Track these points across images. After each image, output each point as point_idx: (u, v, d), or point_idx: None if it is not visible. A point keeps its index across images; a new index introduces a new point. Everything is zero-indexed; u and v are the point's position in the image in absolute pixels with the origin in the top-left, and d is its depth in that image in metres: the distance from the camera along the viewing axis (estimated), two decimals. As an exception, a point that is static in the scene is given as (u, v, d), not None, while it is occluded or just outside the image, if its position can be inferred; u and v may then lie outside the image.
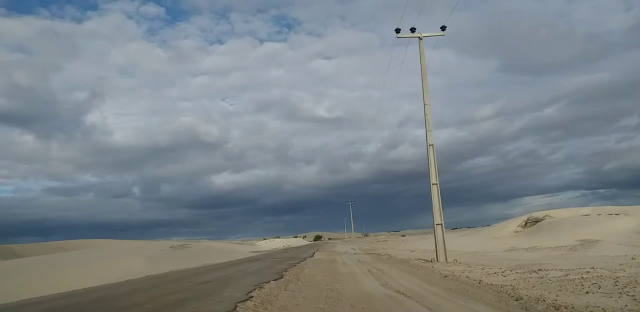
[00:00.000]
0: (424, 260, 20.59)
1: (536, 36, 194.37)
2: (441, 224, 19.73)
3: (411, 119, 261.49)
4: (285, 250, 54.02)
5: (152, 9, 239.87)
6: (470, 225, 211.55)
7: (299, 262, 22.17)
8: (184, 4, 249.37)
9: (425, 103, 20.25)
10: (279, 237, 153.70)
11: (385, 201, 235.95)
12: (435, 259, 19.55)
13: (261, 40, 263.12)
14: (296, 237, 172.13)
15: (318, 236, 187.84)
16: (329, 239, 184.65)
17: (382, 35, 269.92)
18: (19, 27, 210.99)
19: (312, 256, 29.17)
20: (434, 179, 19.49)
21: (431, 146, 19.68)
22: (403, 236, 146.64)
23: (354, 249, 39.76)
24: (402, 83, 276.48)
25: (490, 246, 31.63)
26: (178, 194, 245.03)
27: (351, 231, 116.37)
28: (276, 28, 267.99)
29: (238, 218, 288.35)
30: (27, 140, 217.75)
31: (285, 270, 17.10)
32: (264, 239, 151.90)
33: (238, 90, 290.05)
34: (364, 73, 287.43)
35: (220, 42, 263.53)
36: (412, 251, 30.29)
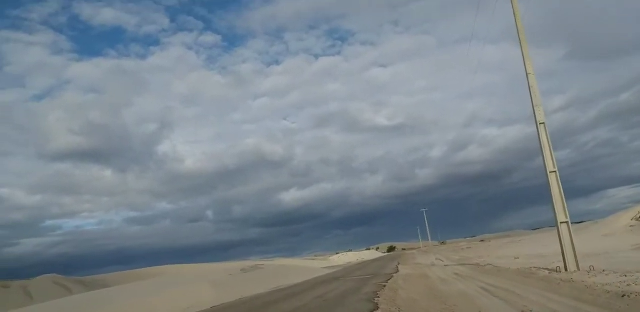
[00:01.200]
0: (548, 270, 16.06)
1: (605, 17, 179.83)
2: (567, 222, 15.19)
3: (477, 118, 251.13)
4: (362, 264, 49.95)
5: (209, 38, 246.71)
6: (552, 224, 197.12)
7: (386, 281, 18.29)
8: (239, 30, 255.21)
9: (528, 72, 16.11)
10: (351, 251, 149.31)
11: (457, 205, 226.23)
12: (563, 268, 15.05)
13: (316, 56, 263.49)
14: (369, 249, 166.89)
15: (391, 247, 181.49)
16: (403, 249, 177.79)
17: (438, 36, 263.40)
18: (90, 69, 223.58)
19: (397, 271, 25.10)
20: (550, 165, 15.17)
21: (542, 125, 15.47)
22: (482, 240, 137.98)
23: (441, 260, 35.15)
24: (465, 81, 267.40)
25: (609, 245, 26.27)
26: (249, 214, 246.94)
27: (427, 240, 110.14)
28: (329, 42, 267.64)
29: (309, 233, 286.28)
30: (106, 175, 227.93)
31: (376, 294, 13.34)
32: (337, 253, 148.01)
33: (298, 108, 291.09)
34: (422, 77, 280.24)
35: (277, 62, 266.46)
36: (515, 258, 25.50)
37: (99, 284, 73.09)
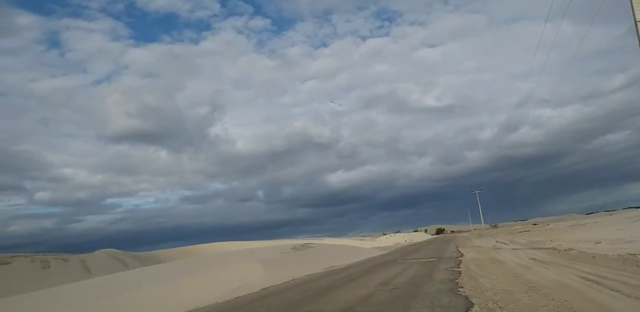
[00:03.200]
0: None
1: None
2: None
3: (530, 98, 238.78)
4: (415, 246, 47.50)
5: (259, 22, 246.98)
6: (608, 209, 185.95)
7: (457, 266, 15.87)
8: (287, 13, 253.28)
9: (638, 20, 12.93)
10: (399, 232, 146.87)
11: (507, 188, 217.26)
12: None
13: (363, 38, 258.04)
14: (416, 231, 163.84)
15: (440, 229, 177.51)
16: (452, 231, 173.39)
17: (488, 15, 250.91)
18: (145, 54, 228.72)
19: (461, 254, 22.53)
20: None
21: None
22: (534, 224, 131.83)
23: (504, 243, 32.18)
24: (517, 61, 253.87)
25: None
26: (298, 194, 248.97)
27: (480, 222, 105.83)
28: (377, 23, 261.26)
29: (355, 214, 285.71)
30: (161, 155, 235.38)
31: (455, 282, 11.01)
32: (384, 234, 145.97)
33: (345, 90, 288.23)
34: (473, 57, 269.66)
35: (325, 45, 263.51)
36: (596, 243, 22.36)
37: (154, 259, 74.65)
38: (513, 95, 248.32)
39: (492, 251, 24.13)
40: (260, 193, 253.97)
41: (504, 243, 32.40)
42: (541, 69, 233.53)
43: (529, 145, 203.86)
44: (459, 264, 16.47)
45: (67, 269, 50.05)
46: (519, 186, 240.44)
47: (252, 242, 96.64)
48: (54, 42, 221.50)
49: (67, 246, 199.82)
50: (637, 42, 13.36)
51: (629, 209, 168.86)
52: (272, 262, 24.00)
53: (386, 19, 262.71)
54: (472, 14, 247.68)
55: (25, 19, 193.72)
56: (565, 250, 19.70)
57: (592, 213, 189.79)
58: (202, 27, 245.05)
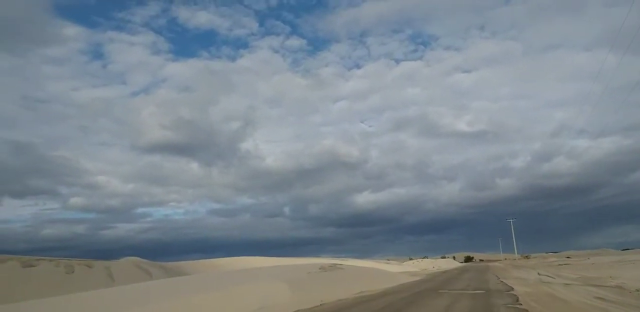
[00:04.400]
0: None
1: None
2: None
3: (566, 127, 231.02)
4: (449, 274, 44.29)
5: (295, 42, 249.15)
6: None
7: (515, 302, 13.39)
8: (323, 33, 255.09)
9: None
10: (426, 257, 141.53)
11: (539, 219, 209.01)
12: None
13: (397, 61, 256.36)
14: (444, 257, 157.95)
15: (468, 256, 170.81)
16: (481, 260, 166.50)
17: (525, 42, 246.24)
18: (183, 68, 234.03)
19: (510, 288, 19.79)
20: None
21: None
22: (568, 257, 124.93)
23: (550, 277, 29.00)
24: (553, 89, 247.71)
25: None
26: (324, 213, 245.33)
27: (513, 252, 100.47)
28: (412, 47, 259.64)
29: (380, 237, 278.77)
30: (192, 167, 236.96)
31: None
32: (410, 259, 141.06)
33: (376, 112, 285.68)
34: (508, 83, 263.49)
35: (358, 66, 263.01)
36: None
37: (178, 270, 73.07)
38: (548, 124, 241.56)
39: (542, 285, 21.29)
40: (286, 210, 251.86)
41: (550, 277, 29.24)
42: (577, 98, 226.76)
43: (564, 176, 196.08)
44: (517, 300, 13.94)
45: (90, 276, 48.83)
46: (552, 217, 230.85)
47: (277, 258, 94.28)
48: (97, 53, 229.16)
49: (97, 252, 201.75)
50: None
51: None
52: (299, 283, 21.81)
53: (421, 42, 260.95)
54: (509, 40, 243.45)
55: (71, 30, 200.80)
56: (638, 290, 16.83)
57: (627, 249, 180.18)
58: (240, 44, 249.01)
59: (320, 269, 27.44)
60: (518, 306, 12.46)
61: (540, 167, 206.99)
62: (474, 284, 23.11)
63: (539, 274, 34.11)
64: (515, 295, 16.02)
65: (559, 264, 53.89)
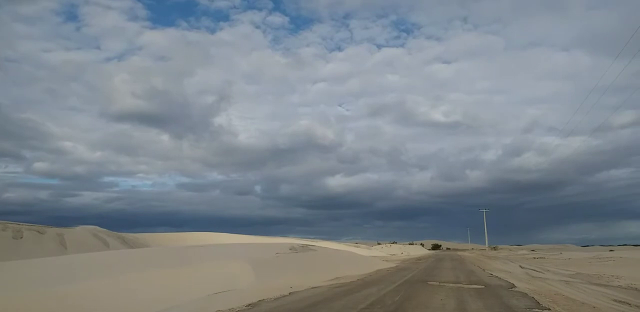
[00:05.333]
0: None
1: None
2: None
3: (538, 124, 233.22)
4: (424, 261, 42.01)
5: (277, 19, 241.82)
6: (603, 243, 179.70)
7: (538, 306, 10.53)
8: (306, 12, 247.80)
9: None
10: (395, 243, 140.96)
11: (505, 212, 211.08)
12: None
13: (379, 46, 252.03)
14: (412, 244, 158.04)
15: (436, 244, 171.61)
16: (448, 248, 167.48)
17: (506, 37, 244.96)
18: (160, 37, 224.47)
19: (512, 285, 17.04)
20: None
21: None
22: (533, 250, 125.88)
23: (538, 271, 26.67)
24: (529, 86, 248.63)
25: None
26: (295, 193, 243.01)
27: (479, 242, 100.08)
28: (394, 33, 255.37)
29: (350, 220, 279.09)
30: (163, 139, 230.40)
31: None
32: (379, 244, 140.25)
33: (354, 96, 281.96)
34: (486, 77, 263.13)
35: (340, 49, 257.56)
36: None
37: (139, 242, 69.40)
38: (521, 120, 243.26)
39: (539, 281, 18.70)
40: (257, 188, 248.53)
41: (537, 271, 26.93)
42: (550, 97, 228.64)
43: (532, 172, 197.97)
44: (537, 303, 11.08)
45: (40, 243, 44.79)
46: (518, 210, 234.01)
47: (244, 236, 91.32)
48: (71, 15, 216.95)
49: (59, 219, 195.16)
50: None
51: (625, 246, 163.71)
52: (266, 265, 18.69)
53: (404, 30, 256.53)
54: (490, 35, 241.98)
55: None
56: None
57: (587, 246, 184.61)
58: (220, 17, 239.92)
59: (290, 249, 24.39)
60: (545, 311, 9.57)
61: (510, 162, 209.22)
62: (463, 276, 20.40)
63: (521, 267, 31.94)
64: (526, 294, 13.23)
65: (534, 258, 52.35)
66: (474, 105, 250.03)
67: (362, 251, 77.49)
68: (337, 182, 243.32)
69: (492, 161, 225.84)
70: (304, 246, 27.00)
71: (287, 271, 18.76)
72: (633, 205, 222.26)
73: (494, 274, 22.75)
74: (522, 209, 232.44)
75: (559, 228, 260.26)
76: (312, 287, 15.13)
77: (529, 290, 14.69)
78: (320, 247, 31.95)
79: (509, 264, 35.73)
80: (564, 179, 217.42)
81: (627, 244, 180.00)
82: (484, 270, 26.45)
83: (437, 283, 16.41)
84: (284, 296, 12.74)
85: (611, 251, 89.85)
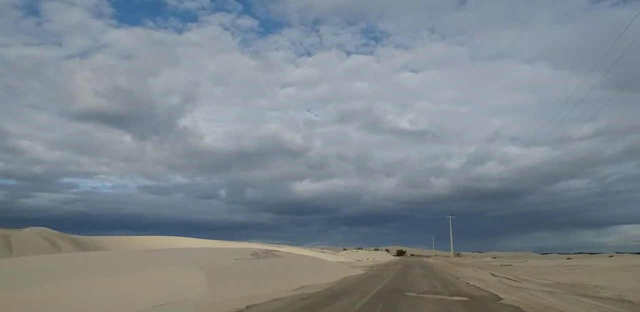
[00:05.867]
0: None
1: None
2: None
3: (500, 134, 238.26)
4: (392, 268, 40.38)
5: (246, 22, 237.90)
6: (561, 251, 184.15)
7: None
8: (276, 16, 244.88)
9: None
10: (361, 249, 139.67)
11: (467, 219, 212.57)
12: None
13: (348, 53, 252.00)
14: (377, 249, 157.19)
15: (401, 250, 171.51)
16: (412, 255, 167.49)
17: (472, 48, 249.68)
18: (126, 36, 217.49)
19: (497, 296, 15.32)
20: None
21: None
22: (494, 257, 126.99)
23: (513, 280, 25.29)
24: (493, 97, 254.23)
25: None
26: (261, 198, 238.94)
27: (444, 249, 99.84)
28: (364, 41, 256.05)
29: (316, 226, 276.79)
30: (125, 140, 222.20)
31: None
32: (345, 250, 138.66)
33: (323, 102, 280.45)
34: (451, 87, 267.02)
35: (309, 54, 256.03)
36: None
37: (94, 245, 65.36)
38: (484, 130, 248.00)
39: (522, 292, 17.13)
40: (222, 192, 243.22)
41: (512, 280, 25.56)
42: (513, 108, 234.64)
43: (494, 180, 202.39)
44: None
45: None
46: (480, 218, 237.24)
47: (207, 240, 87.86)
48: (32, 9, 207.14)
49: (14, 221, 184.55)
50: None
51: (581, 254, 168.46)
52: (222, 272, 16.39)
53: (373, 37, 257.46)
54: (457, 45, 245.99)
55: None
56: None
57: (546, 253, 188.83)
58: (189, 18, 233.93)
59: (252, 255, 22.10)
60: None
61: (473, 170, 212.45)
62: (440, 286, 18.63)
63: (493, 275, 30.62)
64: (518, 307, 11.49)
65: (501, 265, 51.58)
66: (440, 114, 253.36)
67: (328, 256, 75.54)
68: (304, 188, 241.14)
69: (456, 169, 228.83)
70: (267, 252, 24.74)
71: (246, 279, 16.51)
72: (588, 215, 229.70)
73: (470, 283, 21.14)
74: (484, 216, 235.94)
75: (519, 236, 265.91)
76: (274, 299, 12.99)
77: (517, 302, 13.01)
78: (285, 252, 29.74)
79: (480, 272, 34.44)
80: (524, 188, 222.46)
81: (583, 252, 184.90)
82: (457, 278, 24.88)
83: (415, 294, 14.53)
84: (240, 310, 10.57)
85: (569, 258, 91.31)
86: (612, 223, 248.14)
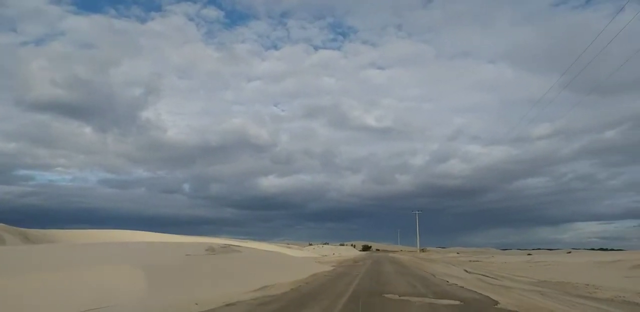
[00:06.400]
0: None
1: (606, 54, 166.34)
2: None
3: (463, 133, 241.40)
4: (361, 265, 38.31)
5: (212, 13, 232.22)
6: (520, 247, 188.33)
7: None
8: (242, 8, 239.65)
9: None
10: (327, 244, 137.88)
11: (431, 215, 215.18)
12: None
13: (316, 48, 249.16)
14: (343, 245, 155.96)
15: (367, 246, 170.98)
16: (377, 250, 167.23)
17: (438, 47, 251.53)
18: (86, 23, 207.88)
19: (492, 300, 13.16)
20: None
21: None
22: (458, 253, 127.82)
23: (495, 278, 23.50)
24: (457, 96, 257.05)
25: None
26: (226, 193, 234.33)
27: (413, 244, 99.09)
28: (331, 36, 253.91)
29: (282, 221, 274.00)
30: (85, 132, 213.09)
31: None
32: (310, 245, 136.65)
33: (290, 97, 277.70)
34: (417, 85, 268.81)
35: (276, 47, 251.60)
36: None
37: (46, 239, 60.84)
38: (447, 128, 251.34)
39: (511, 293, 15.13)
40: (186, 186, 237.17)
41: (489, 277, 23.78)
42: (476, 107, 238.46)
43: (456, 178, 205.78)
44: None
45: None
46: (442, 214, 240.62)
47: (169, 235, 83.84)
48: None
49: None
50: None
51: (539, 250, 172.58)
52: (166, 271, 13.63)
53: (341, 33, 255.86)
54: (423, 44, 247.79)
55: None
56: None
57: (506, 249, 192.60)
58: (152, 7, 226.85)
59: (207, 250, 19.33)
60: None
61: (437, 168, 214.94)
62: (420, 285, 16.43)
63: (467, 271, 28.89)
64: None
65: (470, 261, 50.42)
66: (405, 112, 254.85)
67: (294, 252, 73.10)
68: (270, 183, 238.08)
69: (420, 166, 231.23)
70: (225, 247, 22.00)
71: (196, 279, 13.82)
72: (546, 212, 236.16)
73: (450, 281, 19.08)
74: (446, 213, 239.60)
75: (480, 232, 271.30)
76: (227, 305, 10.44)
77: (517, 307, 10.89)
78: (247, 247, 27.03)
79: (453, 268, 32.72)
80: (485, 185, 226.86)
81: (541, 248, 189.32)
82: (433, 275, 22.87)
83: (397, 296, 12.22)
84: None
85: (529, 254, 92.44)
86: (568, 220, 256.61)
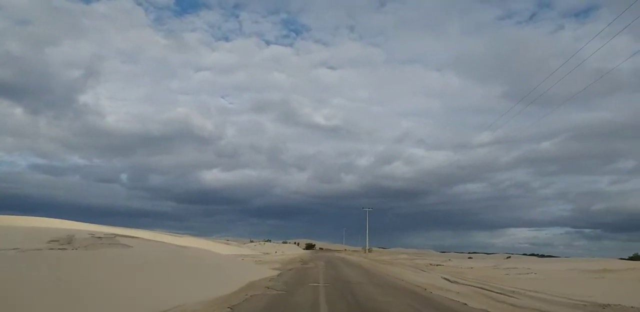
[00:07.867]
0: None
1: (545, 67, 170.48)
2: None
3: (408, 136, 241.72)
4: (312, 266, 30.82)
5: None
6: (457, 250, 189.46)
7: None
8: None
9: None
10: (269, 241, 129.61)
11: (374, 216, 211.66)
12: None
13: (268, 42, 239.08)
14: (286, 242, 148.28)
15: (310, 244, 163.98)
16: (320, 248, 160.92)
17: (389, 51, 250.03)
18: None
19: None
20: None
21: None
22: (406, 255, 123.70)
23: (519, 296, 16.60)
24: (404, 100, 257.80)
25: None
26: (166, 185, 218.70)
27: (361, 243, 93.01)
28: (284, 32, 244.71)
29: (223, 216, 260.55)
30: (15, 113, 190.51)
31: None
32: (252, 242, 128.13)
33: (238, 90, 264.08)
34: (366, 86, 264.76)
35: (227, 39, 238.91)
36: None
37: None
38: (394, 130, 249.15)
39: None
40: (124, 176, 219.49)
41: (495, 292, 16.94)
42: (421, 112, 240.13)
43: (399, 180, 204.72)
44: None
45: None
46: (385, 215, 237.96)
47: (99, 226, 72.51)
48: None
49: None
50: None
51: (476, 253, 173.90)
52: None
53: (294, 30, 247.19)
54: (373, 47, 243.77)
55: None
56: None
57: (444, 252, 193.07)
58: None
59: (54, 241, 10.90)
60: None
61: (381, 169, 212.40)
62: (402, 300, 9.00)
63: (448, 280, 22.11)
64: None
65: (430, 264, 44.17)
66: (354, 112, 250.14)
67: (231, 248, 64.56)
68: (214, 177, 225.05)
69: (366, 167, 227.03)
70: (104, 238, 13.59)
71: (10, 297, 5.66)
72: (483, 217, 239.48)
73: (452, 298, 11.88)
74: (389, 214, 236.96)
75: (420, 234, 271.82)
76: None
77: None
78: (148, 240, 18.62)
79: (424, 275, 25.92)
80: (426, 188, 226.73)
81: (478, 251, 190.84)
82: (418, 286, 15.65)
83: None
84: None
85: (470, 257, 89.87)
86: (503, 226, 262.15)
